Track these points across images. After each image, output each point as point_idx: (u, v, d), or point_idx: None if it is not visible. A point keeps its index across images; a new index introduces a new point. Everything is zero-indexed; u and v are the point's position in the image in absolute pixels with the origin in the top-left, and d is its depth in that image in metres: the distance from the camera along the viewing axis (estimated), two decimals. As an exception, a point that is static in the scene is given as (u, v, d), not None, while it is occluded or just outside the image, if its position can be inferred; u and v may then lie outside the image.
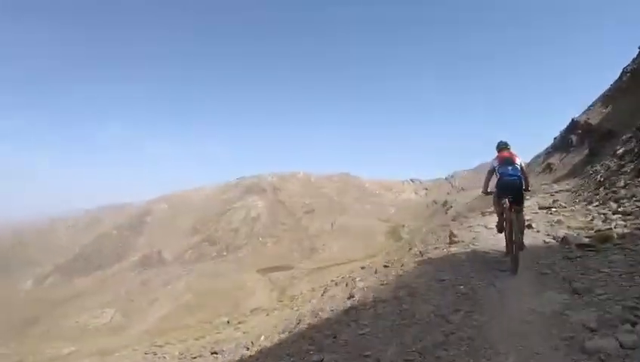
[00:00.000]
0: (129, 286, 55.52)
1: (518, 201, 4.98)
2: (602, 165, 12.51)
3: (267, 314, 15.37)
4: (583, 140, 27.59)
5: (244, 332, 12.13)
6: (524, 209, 6.05)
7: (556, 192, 14.18)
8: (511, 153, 5.31)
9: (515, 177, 5.00)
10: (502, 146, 5.45)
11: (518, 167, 5.12)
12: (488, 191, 5.67)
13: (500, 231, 5.59)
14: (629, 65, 31.75)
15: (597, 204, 8.26)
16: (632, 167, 8.61)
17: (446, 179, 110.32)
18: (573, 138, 30.12)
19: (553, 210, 9.73)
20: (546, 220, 7.99)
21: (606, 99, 32.61)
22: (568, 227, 6.80)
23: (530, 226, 6.99)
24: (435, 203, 79.24)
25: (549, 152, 34.92)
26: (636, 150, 9.25)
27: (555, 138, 37.02)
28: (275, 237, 73.57)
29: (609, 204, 7.68)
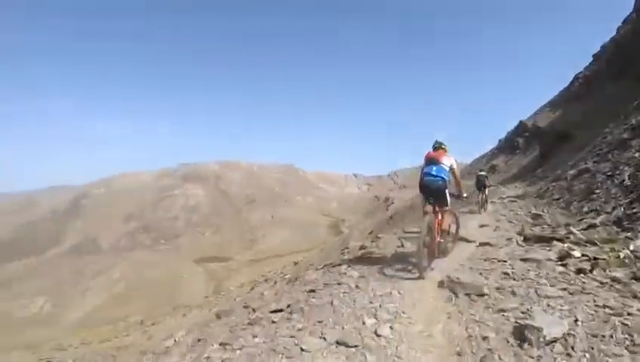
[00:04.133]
0: (62, 275, 53.57)
1: (440, 203, 4.63)
2: (625, 159, 8.46)
3: (184, 315, 15.35)
4: (530, 143, 27.42)
5: (148, 339, 11.75)
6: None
7: (517, 197, 12.25)
8: (439, 153, 4.84)
9: (437, 178, 4.55)
10: (435, 146, 4.99)
11: (445, 168, 4.64)
12: None
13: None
14: (581, 72, 32.72)
15: None
16: None
17: (388, 175, 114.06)
18: (520, 140, 30.26)
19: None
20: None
21: (555, 103, 32.97)
22: None
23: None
24: (377, 199, 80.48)
25: (494, 153, 35.11)
26: None
27: (500, 140, 37.77)
28: (214, 226, 72.40)
29: None
